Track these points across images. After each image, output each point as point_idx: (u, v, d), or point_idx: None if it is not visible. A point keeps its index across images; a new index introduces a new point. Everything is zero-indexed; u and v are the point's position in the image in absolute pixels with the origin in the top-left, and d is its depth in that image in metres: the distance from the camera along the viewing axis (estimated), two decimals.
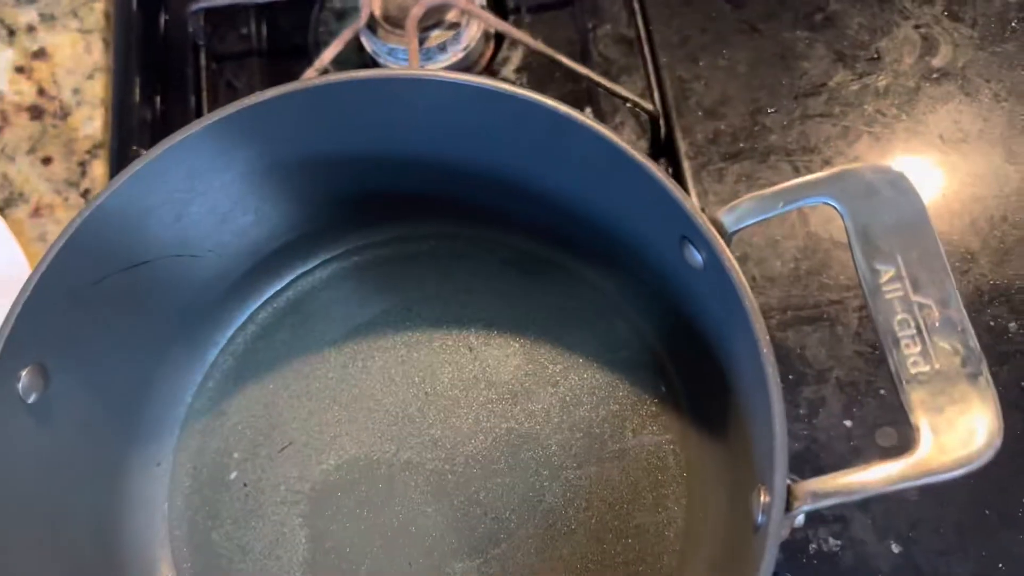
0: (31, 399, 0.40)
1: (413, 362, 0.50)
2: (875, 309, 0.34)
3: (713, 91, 0.58)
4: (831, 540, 0.49)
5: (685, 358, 0.47)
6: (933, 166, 0.55)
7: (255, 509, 0.48)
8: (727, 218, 0.36)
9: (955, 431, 0.31)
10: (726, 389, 0.41)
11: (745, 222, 0.36)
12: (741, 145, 0.57)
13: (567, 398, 0.49)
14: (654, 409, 0.48)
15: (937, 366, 0.32)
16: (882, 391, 0.51)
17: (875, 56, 0.58)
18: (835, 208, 0.35)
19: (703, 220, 0.36)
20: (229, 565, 0.47)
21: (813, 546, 0.49)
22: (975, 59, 0.58)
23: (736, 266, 0.35)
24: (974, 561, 0.48)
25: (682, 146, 0.57)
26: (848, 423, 0.51)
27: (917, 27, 0.59)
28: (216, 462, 0.49)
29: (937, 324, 0.33)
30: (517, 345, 0.50)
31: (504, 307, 0.51)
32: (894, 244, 0.34)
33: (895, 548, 0.48)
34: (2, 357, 0.38)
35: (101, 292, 0.42)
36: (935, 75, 0.57)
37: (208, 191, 0.43)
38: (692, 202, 0.36)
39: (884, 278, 0.34)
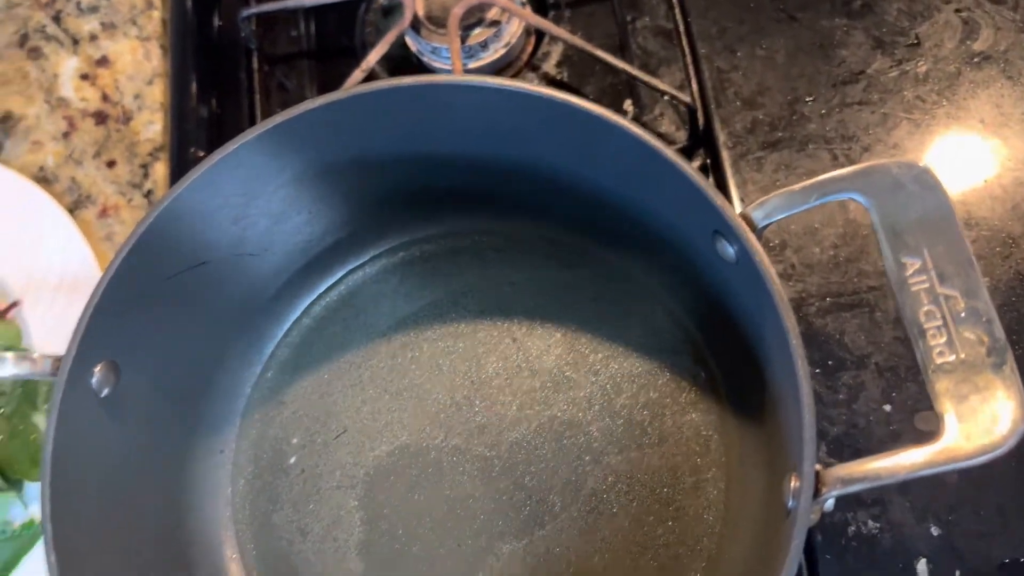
0: (104, 393, 0.43)
1: (459, 352, 0.52)
2: (902, 301, 0.35)
3: (751, 81, 0.59)
4: (870, 523, 0.50)
5: (723, 346, 0.48)
6: (974, 152, 0.55)
7: (313, 493, 0.50)
8: (757, 213, 0.37)
9: (979, 419, 0.32)
10: (761, 377, 0.43)
11: (774, 217, 0.37)
12: (780, 134, 0.58)
13: (608, 386, 0.50)
14: (693, 396, 0.49)
15: (962, 355, 0.33)
16: (922, 377, 0.52)
17: (914, 42, 0.58)
18: (861, 203, 0.36)
19: (733, 216, 0.37)
20: (289, 547, 0.50)
21: (852, 528, 0.50)
22: (1017, 42, 0.57)
23: (766, 260, 0.36)
24: (1015, 543, 0.48)
25: (721, 136, 0.58)
26: (887, 407, 0.52)
27: (958, 11, 0.59)
28: (275, 449, 0.52)
29: (963, 315, 0.34)
30: (559, 335, 0.52)
31: (545, 298, 0.52)
32: (920, 238, 0.34)
33: (934, 531, 0.49)
34: (77, 354, 0.41)
35: (166, 291, 0.45)
36: (976, 59, 0.57)
37: (263, 194, 0.46)
38: (722, 199, 0.38)
39: (910, 270, 0.34)
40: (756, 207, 0.37)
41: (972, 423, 0.32)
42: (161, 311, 0.45)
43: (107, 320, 0.42)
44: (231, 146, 0.42)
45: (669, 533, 0.47)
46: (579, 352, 0.51)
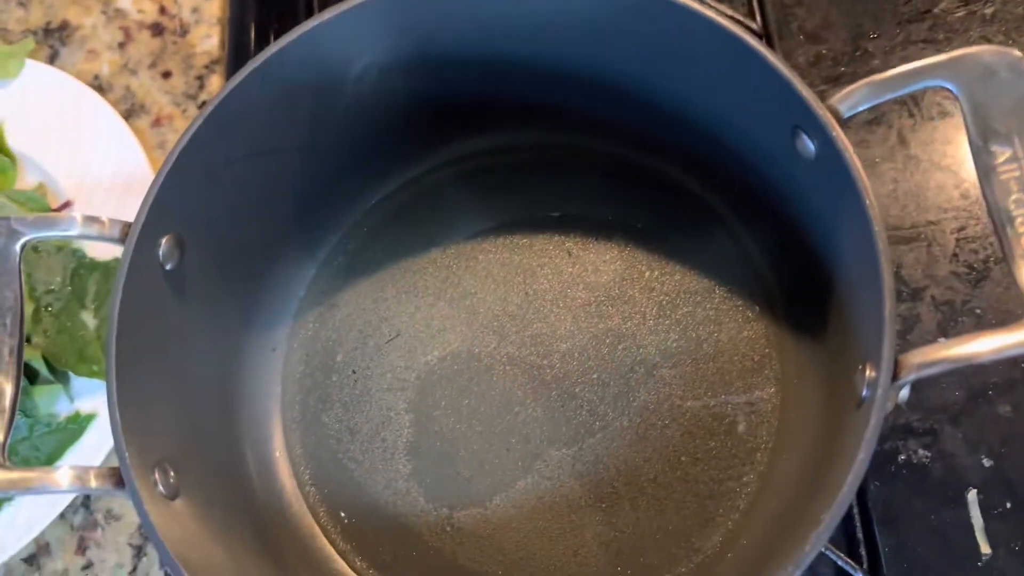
0: (168, 266, 0.43)
1: (514, 264, 0.52)
2: (988, 189, 0.34)
3: (815, 15, 0.59)
4: (920, 451, 0.50)
5: (783, 257, 0.48)
6: None
7: (363, 394, 0.50)
8: (843, 104, 0.37)
9: None
10: (825, 282, 0.42)
11: (860, 107, 0.37)
12: (842, 69, 0.57)
13: (663, 301, 0.50)
14: (750, 312, 0.49)
15: None
16: (978, 311, 0.52)
17: None
18: (951, 91, 0.35)
19: (819, 106, 0.37)
20: (337, 445, 0.50)
21: (902, 457, 0.50)
22: None
23: (851, 149, 0.36)
24: None
25: None
26: (942, 341, 0.51)
27: None
28: (327, 350, 0.52)
29: None
30: (615, 251, 0.52)
31: (602, 214, 0.52)
32: (1012, 125, 0.34)
33: (986, 462, 0.49)
34: (146, 222, 0.41)
35: (231, 175, 0.45)
36: None
37: (333, 86, 0.46)
38: (808, 88, 0.37)
39: (1000, 159, 0.34)
40: (842, 97, 0.37)
41: None
42: (227, 194, 0.45)
43: (176, 193, 0.42)
44: (311, 23, 0.42)
45: (721, 446, 0.47)
46: (635, 268, 0.51)
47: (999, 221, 0.34)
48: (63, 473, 0.37)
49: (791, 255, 0.46)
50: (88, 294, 0.57)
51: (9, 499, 0.52)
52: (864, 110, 0.37)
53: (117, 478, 0.37)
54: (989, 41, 0.56)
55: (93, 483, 0.37)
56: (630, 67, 0.46)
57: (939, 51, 0.56)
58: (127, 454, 0.37)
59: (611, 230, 0.52)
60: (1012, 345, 0.32)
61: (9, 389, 0.37)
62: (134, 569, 0.53)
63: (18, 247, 0.39)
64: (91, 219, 0.40)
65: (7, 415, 0.36)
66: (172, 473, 0.40)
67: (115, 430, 0.37)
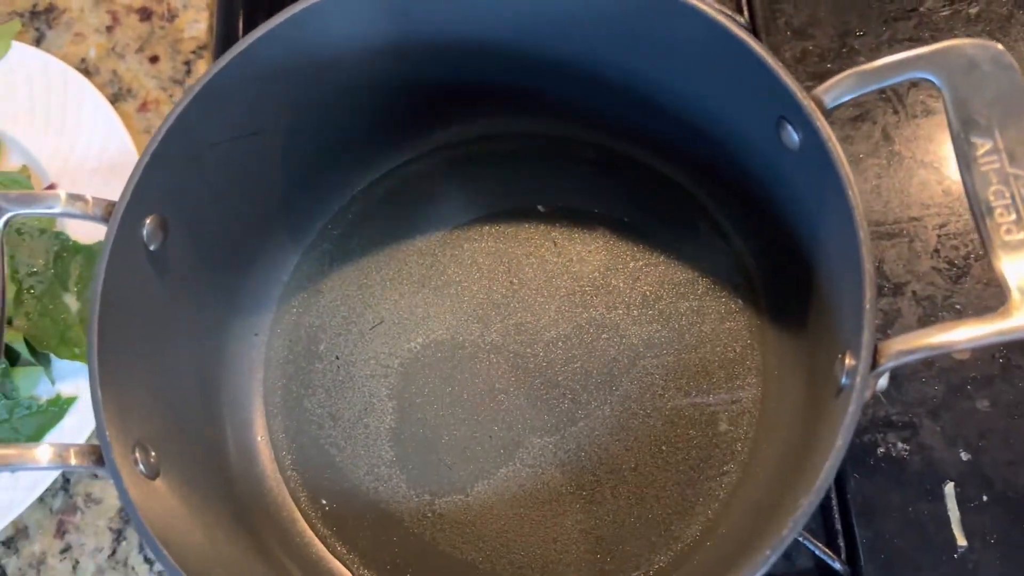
0: (152, 247, 0.42)
1: (500, 253, 0.52)
2: (969, 180, 0.35)
3: (802, 12, 0.59)
4: (899, 445, 0.50)
5: (764, 250, 0.48)
6: None
7: (346, 380, 0.50)
8: (827, 95, 0.37)
9: None
10: (807, 272, 0.43)
11: (844, 98, 0.37)
12: (828, 66, 0.58)
13: (647, 292, 0.50)
14: (732, 304, 0.49)
15: None
16: (958, 306, 0.52)
17: None
18: (934, 83, 0.36)
19: (804, 96, 0.37)
20: (319, 430, 0.50)
21: (881, 450, 0.50)
22: None
23: (834, 139, 0.36)
24: None
25: None
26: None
27: None
28: (310, 336, 0.52)
29: None
30: (600, 241, 0.52)
31: (588, 204, 0.52)
32: (992, 118, 0.35)
33: (964, 456, 0.49)
34: (131, 202, 0.40)
35: (216, 157, 0.45)
36: None
37: (323, 65, 0.46)
38: (793, 79, 0.38)
39: (980, 151, 0.35)
40: (826, 88, 0.37)
41: None
42: (211, 176, 0.45)
43: (160, 174, 0.42)
44: (298, 6, 0.42)
45: (702, 437, 0.47)
46: (620, 259, 0.51)
47: (979, 212, 0.34)
48: (43, 450, 0.37)
49: (774, 247, 0.46)
50: (71, 277, 0.57)
51: None
52: (848, 102, 0.37)
53: (97, 456, 0.37)
54: None
55: (73, 460, 0.37)
56: (615, 56, 0.46)
57: None
58: (108, 432, 0.36)
59: (596, 221, 0.52)
60: (989, 334, 0.32)
61: None
62: (113, 553, 0.53)
63: (1, 223, 0.39)
64: (75, 197, 0.40)
65: None
66: (152, 453, 0.39)
67: (96, 408, 0.37)
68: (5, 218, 0.39)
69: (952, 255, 0.53)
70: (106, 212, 0.40)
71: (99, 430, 0.37)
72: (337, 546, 0.48)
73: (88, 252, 0.57)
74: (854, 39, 0.58)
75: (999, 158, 0.34)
